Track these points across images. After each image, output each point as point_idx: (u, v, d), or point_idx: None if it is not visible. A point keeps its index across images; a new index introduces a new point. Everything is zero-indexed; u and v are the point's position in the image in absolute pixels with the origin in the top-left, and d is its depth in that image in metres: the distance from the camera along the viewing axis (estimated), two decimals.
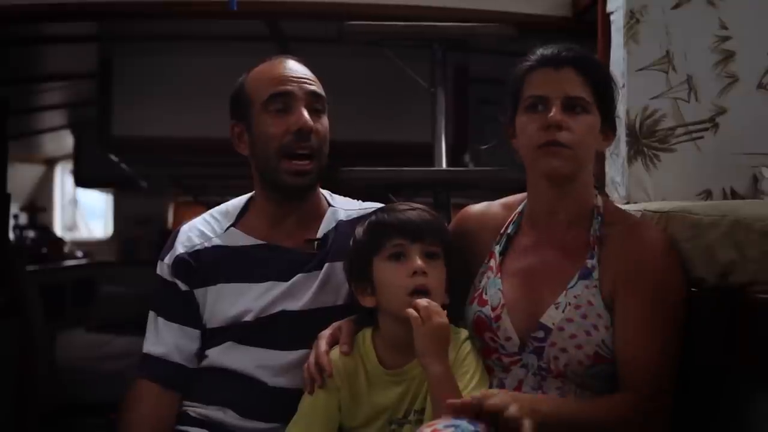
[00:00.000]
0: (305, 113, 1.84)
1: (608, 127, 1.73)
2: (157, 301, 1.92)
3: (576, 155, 1.67)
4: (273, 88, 1.85)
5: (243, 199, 1.98)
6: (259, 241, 1.90)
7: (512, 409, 1.43)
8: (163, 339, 1.88)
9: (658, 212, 1.79)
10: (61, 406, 5.37)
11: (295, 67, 1.89)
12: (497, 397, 1.48)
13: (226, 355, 1.84)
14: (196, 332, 1.87)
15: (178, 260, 1.89)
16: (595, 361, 1.64)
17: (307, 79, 1.88)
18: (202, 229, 1.93)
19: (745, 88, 2.11)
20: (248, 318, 1.83)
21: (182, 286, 1.88)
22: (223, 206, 1.99)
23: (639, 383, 1.60)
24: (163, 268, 1.91)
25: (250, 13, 3.13)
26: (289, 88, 1.85)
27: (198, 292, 1.88)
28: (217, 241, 1.90)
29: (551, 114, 1.64)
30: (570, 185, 1.71)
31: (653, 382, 1.60)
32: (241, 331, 1.83)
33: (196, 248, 1.90)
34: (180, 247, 1.90)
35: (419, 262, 1.66)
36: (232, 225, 1.93)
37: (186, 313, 1.88)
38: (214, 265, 1.88)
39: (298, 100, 1.84)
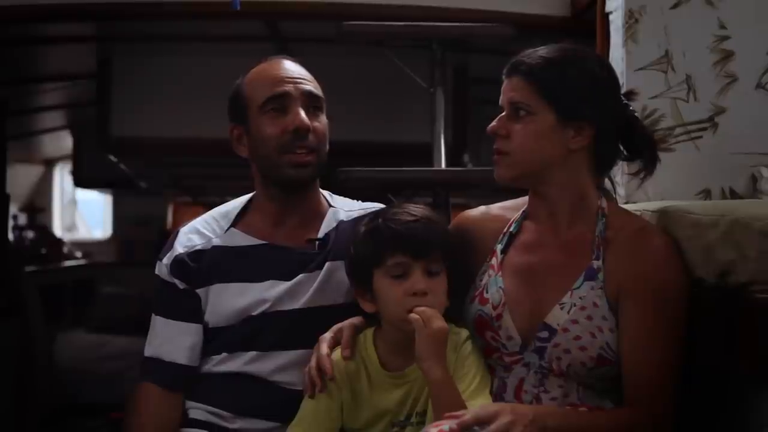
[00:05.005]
0: (302, 113, 1.84)
1: (576, 123, 1.66)
2: (156, 301, 1.92)
3: (516, 160, 1.69)
4: (269, 90, 1.86)
5: (243, 199, 1.98)
6: (260, 241, 1.90)
7: None
8: (165, 339, 1.88)
9: (657, 212, 1.79)
10: (60, 407, 5.37)
11: (290, 68, 1.89)
12: (499, 421, 1.49)
13: (228, 356, 1.84)
14: (198, 326, 1.87)
15: (177, 260, 1.89)
16: (597, 363, 1.64)
17: (303, 78, 1.88)
18: (202, 230, 1.93)
19: (744, 87, 2.12)
20: (249, 316, 1.84)
21: (181, 285, 1.88)
22: (222, 207, 1.99)
23: (645, 397, 1.60)
24: (162, 268, 1.91)
25: (249, 13, 3.13)
26: (285, 89, 1.85)
27: (199, 291, 1.88)
28: (217, 242, 1.91)
29: (492, 124, 1.71)
30: (541, 187, 1.72)
31: (659, 395, 1.61)
32: (242, 330, 1.84)
33: (196, 248, 1.90)
34: (179, 248, 1.90)
35: (421, 284, 1.63)
36: (232, 226, 1.93)
37: (186, 308, 1.88)
38: (214, 265, 1.88)
39: (294, 100, 1.85)
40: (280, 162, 1.84)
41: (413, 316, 1.60)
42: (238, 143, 1.92)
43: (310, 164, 1.86)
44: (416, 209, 1.70)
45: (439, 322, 1.59)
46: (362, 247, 1.70)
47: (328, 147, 1.90)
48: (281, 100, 1.85)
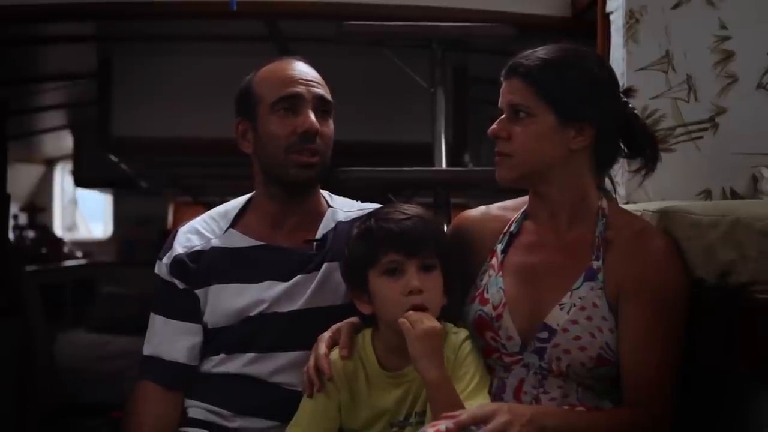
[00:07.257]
0: (312, 116, 1.85)
1: (577, 123, 1.66)
2: (156, 300, 1.93)
3: (517, 162, 1.69)
4: (282, 89, 1.86)
5: (242, 200, 1.98)
6: (258, 242, 1.90)
7: None
8: (164, 338, 1.88)
9: (658, 212, 1.79)
10: (61, 406, 5.37)
11: (304, 70, 1.90)
12: (496, 420, 1.49)
13: (227, 356, 1.85)
14: (198, 326, 1.88)
15: (177, 260, 1.89)
16: (597, 363, 1.64)
17: (316, 82, 1.89)
18: (201, 230, 1.93)
19: (745, 88, 2.12)
20: (247, 317, 1.84)
21: (180, 285, 1.89)
22: (221, 207, 1.99)
23: (644, 397, 1.61)
24: (162, 267, 1.91)
25: (249, 13, 3.13)
26: (298, 90, 1.86)
27: (197, 292, 1.88)
28: (216, 243, 1.91)
29: (492, 126, 1.71)
30: (543, 187, 1.72)
31: (658, 395, 1.61)
32: (240, 331, 1.84)
33: (195, 249, 1.90)
34: (179, 248, 1.91)
35: (415, 281, 1.63)
36: (231, 226, 1.93)
37: (186, 308, 1.88)
38: (212, 266, 1.88)
39: (306, 102, 1.86)
40: (285, 161, 1.85)
41: (401, 320, 1.60)
42: (243, 139, 1.92)
43: (314, 165, 1.86)
44: (408, 208, 1.71)
45: (427, 323, 1.59)
46: (356, 248, 1.70)
47: (331, 152, 1.90)
48: (293, 101, 1.85)
